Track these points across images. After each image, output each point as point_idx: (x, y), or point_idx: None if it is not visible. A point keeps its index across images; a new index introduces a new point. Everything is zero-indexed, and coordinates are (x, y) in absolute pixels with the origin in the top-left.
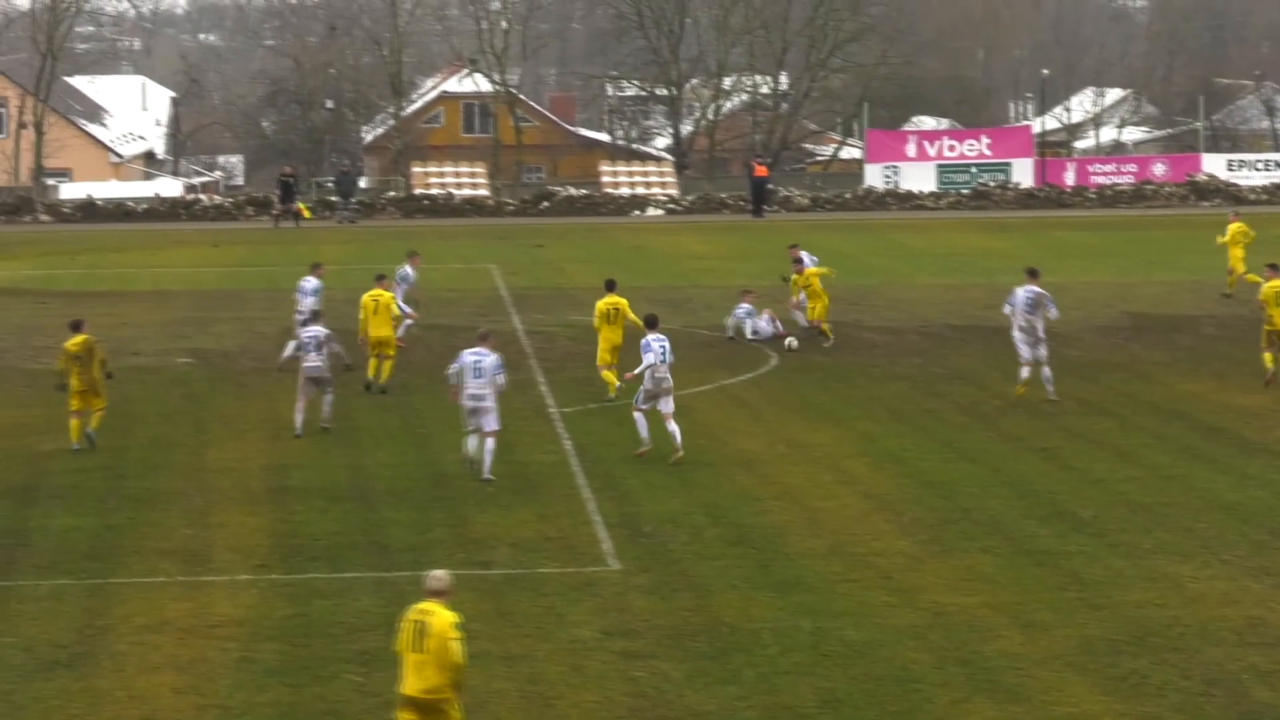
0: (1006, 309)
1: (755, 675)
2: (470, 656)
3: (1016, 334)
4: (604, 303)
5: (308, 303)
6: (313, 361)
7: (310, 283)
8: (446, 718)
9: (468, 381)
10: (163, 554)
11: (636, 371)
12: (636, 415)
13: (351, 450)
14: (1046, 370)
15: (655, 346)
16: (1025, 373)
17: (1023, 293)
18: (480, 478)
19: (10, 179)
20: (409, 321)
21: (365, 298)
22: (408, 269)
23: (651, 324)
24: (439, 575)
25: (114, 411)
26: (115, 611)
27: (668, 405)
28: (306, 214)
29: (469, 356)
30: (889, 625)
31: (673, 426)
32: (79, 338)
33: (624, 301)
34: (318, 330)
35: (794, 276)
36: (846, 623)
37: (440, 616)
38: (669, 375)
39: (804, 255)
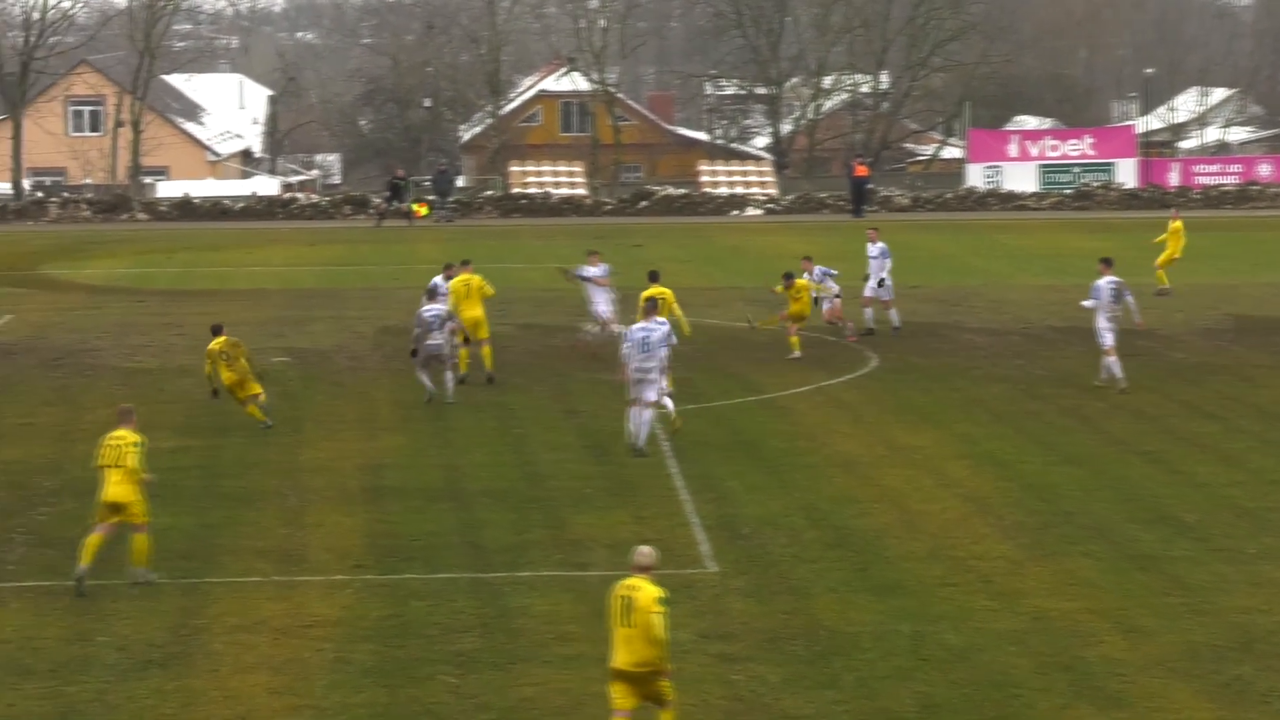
0: (1091, 302)
1: (854, 680)
2: (567, 659)
3: (1102, 323)
4: (648, 294)
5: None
6: (434, 339)
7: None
8: (658, 689)
9: (636, 354)
10: (258, 553)
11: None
12: (629, 410)
13: (447, 450)
14: (1115, 357)
15: (636, 337)
16: (1117, 367)
17: (1106, 284)
18: (635, 452)
19: (108, 177)
20: (598, 329)
21: (455, 282)
22: (589, 269)
23: (649, 312)
24: (646, 551)
25: (208, 410)
26: (210, 611)
27: (649, 394)
28: (422, 212)
29: (638, 332)
30: (989, 630)
31: (646, 416)
32: (220, 339)
33: (669, 292)
34: (439, 308)
35: (778, 288)
36: (946, 627)
37: (646, 591)
38: (649, 366)
39: (817, 269)
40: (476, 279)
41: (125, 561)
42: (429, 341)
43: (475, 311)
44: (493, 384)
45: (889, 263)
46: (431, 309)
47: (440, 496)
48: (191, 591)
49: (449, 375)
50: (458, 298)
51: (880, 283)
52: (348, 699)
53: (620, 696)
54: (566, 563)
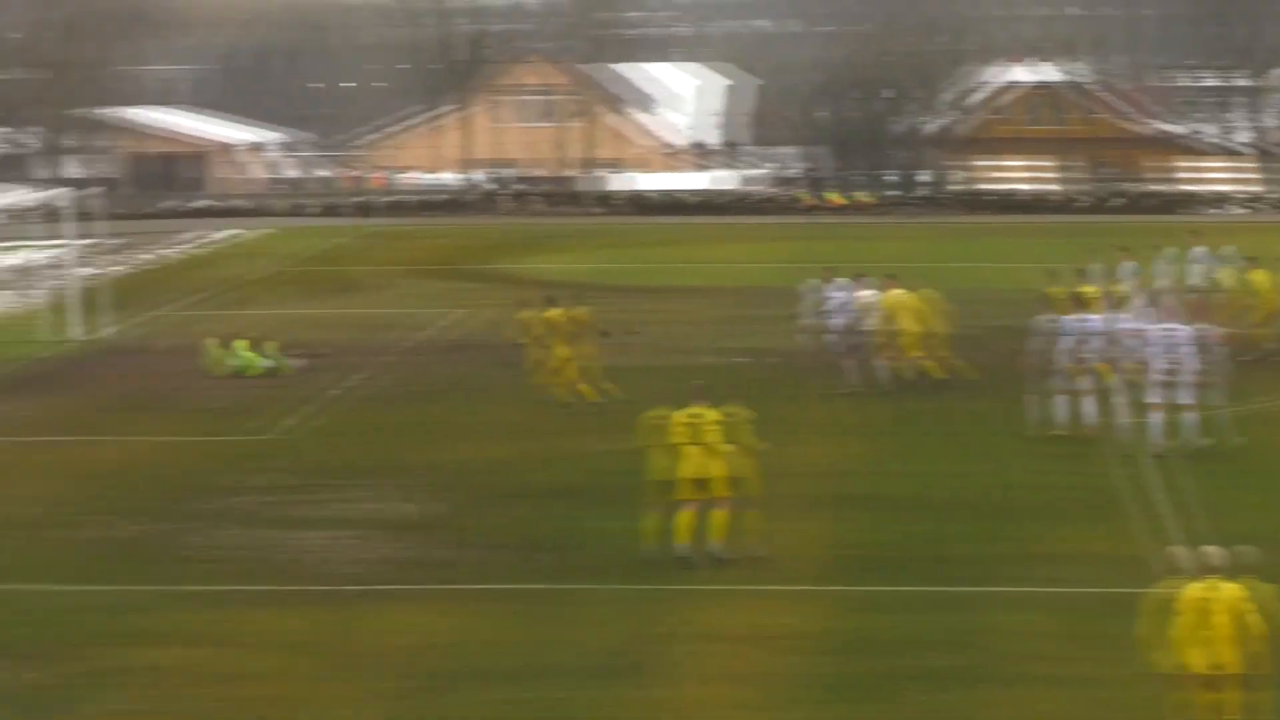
0: None
1: None
2: (1040, 680)
3: None
4: (1077, 290)
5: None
6: (861, 327)
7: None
8: (1239, 695)
9: (1159, 356)
10: (721, 560)
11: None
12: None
13: (913, 458)
14: None
15: (1157, 338)
16: None
17: None
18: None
19: (559, 169)
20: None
21: (888, 298)
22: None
23: (1079, 307)
24: (1217, 551)
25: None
26: (670, 619)
27: (1182, 396)
28: (839, 200)
29: (1159, 332)
30: None
31: (1189, 419)
32: (558, 310)
33: (1096, 291)
34: (843, 295)
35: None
36: None
37: (1229, 591)
38: (1177, 368)
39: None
40: (910, 297)
41: (704, 537)
42: (853, 330)
43: (909, 326)
44: (946, 389)
45: None
46: (836, 295)
47: (905, 505)
48: (652, 598)
49: (857, 366)
50: (896, 312)
51: None
52: (813, 715)
53: (1206, 706)
54: (1039, 578)
